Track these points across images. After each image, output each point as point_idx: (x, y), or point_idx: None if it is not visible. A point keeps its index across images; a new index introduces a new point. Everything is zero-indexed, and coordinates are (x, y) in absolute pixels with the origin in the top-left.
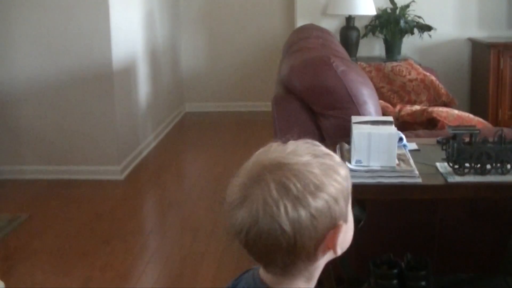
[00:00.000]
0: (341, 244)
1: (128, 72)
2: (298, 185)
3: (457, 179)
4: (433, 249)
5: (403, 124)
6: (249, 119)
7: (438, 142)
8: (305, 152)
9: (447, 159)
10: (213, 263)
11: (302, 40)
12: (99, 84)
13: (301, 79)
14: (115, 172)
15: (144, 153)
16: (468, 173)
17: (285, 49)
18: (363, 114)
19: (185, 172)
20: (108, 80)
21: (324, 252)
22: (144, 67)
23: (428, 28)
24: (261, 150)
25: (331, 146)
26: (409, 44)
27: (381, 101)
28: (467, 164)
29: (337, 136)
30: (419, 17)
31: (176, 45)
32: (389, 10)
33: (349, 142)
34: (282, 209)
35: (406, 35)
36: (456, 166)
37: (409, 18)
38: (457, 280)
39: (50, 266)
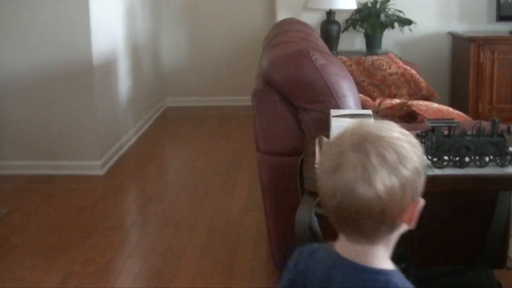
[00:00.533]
0: (415, 219)
1: (109, 67)
2: (394, 156)
3: (436, 172)
4: (413, 241)
5: (383, 118)
6: (229, 114)
7: (417, 135)
8: (394, 130)
9: (426, 152)
10: (194, 257)
11: (282, 34)
12: (79, 79)
13: (281, 73)
14: (96, 167)
15: (125, 148)
16: (447, 166)
17: (265, 43)
18: (343, 108)
19: (166, 166)
20: (89, 75)
21: (403, 223)
22: (124, 62)
23: (409, 22)
24: (354, 125)
25: (311, 139)
26: (390, 38)
27: (361, 94)
28: (446, 157)
29: (316, 129)
30: (400, 11)
31: (157, 40)
32: (369, 4)
33: (328, 135)
34: (379, 176)
35: (387, 29)
36: (435, 159)
37: (390, 12)
38: (438, 272)
39: (30, 261)
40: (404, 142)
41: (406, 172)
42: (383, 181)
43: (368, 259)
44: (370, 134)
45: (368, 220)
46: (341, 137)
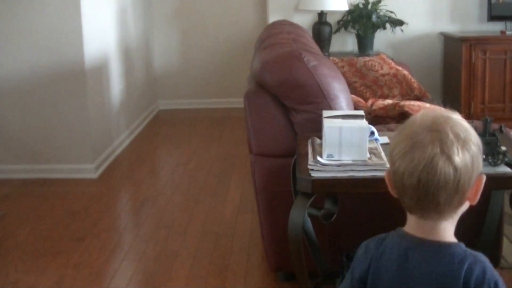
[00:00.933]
0: (479, 195)
1: (101, 70)
2: (464, 133)
3: None
4: None
5: (375, 118)
6: (222, 116)
7: None
8: (453, 113)
9: None
10: (187, 260)
11: (274, 35)
12: (71, 82)
13: (273, 74)
14: (89, 170)
15: (118, 151)
16: None
17: (257, 45)
18: (335, 109)
19: (159, 169)
20: (81, 78)
21: (467, 199)
22: (117, 65)
23: (400, 22)
24: (421, 112)
25: (303, 140)
26: (382, 39)
27: (353, 95)
28: None
29: (309, 131)
30: (391, 12)
31: (149, 43)
32: (361, 5)
33: (320, 137)
34: (456, 150)
35: (379, 30)
36: None
37: (381, 13)
38: None
39: (24, 265)
40: (465, 122)
41: (474, 147)
42: (458, 155)
43: (440, 234)
44: (441, 116)
45: (444, 193)
46: (412, 122)
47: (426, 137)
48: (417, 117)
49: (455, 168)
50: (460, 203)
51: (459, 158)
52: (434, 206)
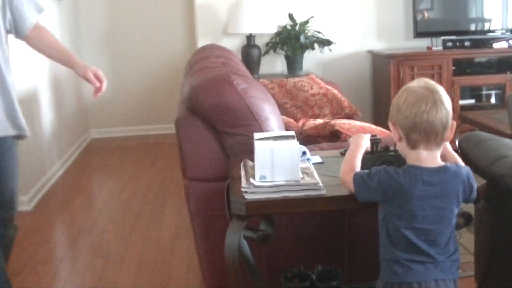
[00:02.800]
0: (453, 135)
1: (31, 100)
2: (443, 91)
3: None
4: (344, 258)
5: (307, 138)
6: (155, 142)
7: (341, 153)
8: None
9: None
10: None
11: (203, 60)
12: None
13: (203, 99)
14: (23, 202)
15: (52, 182)
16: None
17: (187, 70)
18: (266, 130)
19: (94, 198)
20: None
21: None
22: (46, 95)
23: (328, 42)
24: (414, 80)
25: (236, 163)
26: (311, 59)
27: (284, 116)
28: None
29: (241, 153)
30: (319, 32)
31: None
32: (289, 27)
33: (253, 159)
34: (444, 100)
35: (307, 50)
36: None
37: (309, 34)
38: None
39: None
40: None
41: (448, 100)
42: (447, 103)
43: (437, 161)
44: (429, 81)
45: (441, 127)
46: (410, 86)
47: (425, 92)
48: (413, 83)
49: (447, 110)
50: (446, 138)
51: (447, 104)
52: (435, 136)
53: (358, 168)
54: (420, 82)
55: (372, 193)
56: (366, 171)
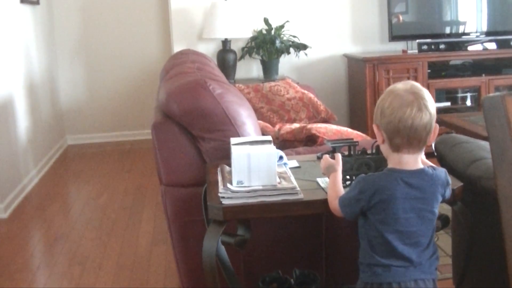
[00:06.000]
0: (435, 138)
1: (5, 107)
2: (429, 95)
3: None
4: (321, 262)
5: (283, 143)
6: (131, 148)
7: (318, 157)
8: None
9: None
10: None
11: (178, 65)
12: None
13: (179, 104)
14: None
15: (28, 189)
16: (349, 185)
17: (162, 75)
18: (242, 135)
19: (70, 204)
20: None
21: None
22: (22, 102)
23: (304, 46)
24: (400, 83)
25: (213, 168)
26: (286, 63)
27: (260, 121)
28: (348, 176)
29: (217, 159)
30: (295, 36)
31: (53, 78)
32: (264, 31)
33: (229, 164)
34: (428, 104)
35: (283, 55)
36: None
37: (285, 38)
38: None
39: None
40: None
41: (433, 104)
42: (431, 107)
43: (418, 163)
44: (415, 84)
45: (424, 132)
46: (395, 89)
47: (410, 97)
48: (398, 85)
49: (431, 114)
50: (428, 141)
51: (432, 109)
52: (418, 142)
53: (342, 191)
54: (406, 85)
55: (359, 204)
56: (347, 189)
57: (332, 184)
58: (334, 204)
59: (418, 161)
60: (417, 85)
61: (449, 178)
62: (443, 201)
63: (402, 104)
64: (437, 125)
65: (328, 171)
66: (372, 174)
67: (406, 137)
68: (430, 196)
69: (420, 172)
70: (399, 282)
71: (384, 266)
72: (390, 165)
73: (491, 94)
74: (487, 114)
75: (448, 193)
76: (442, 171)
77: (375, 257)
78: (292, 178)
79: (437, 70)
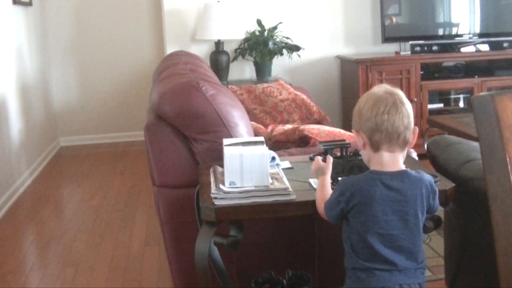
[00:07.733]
0: (415, 140)
1: None
2: (403, 94)
3: None
4: (314, 263)
5: (276, 144)
6: (124, 150)
7: (310, 158)
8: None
9: None
10: None
11: (171, 66)
12: None
13: (171, 105)
14: None
15: (20, 191)
16: None
17: (155, 77)
18: (235, 136)
19: (63, 206)
20: None
21: (409, 142)
22: (14, 103)
23: (297, 48)
24: (374, 88)
25: (205, 169)
26: (279, 65)
27: (253, 122)
28: (339, 178)
29: (210, 160)
30: (288, 37)
31: (46, 79)
32: (257, 33)
33: (222, 165)
34: (405, 102)
35: (276, 56)
36: (330, 181)
37: (278, 40)
38: None
39: None
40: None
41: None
42: (408, 105)
43: (399, 164)
44: (389, 86)
45: (404, 128)
46: (372, 92)
47: (385, 95)
48: (373, 89)
49: (407, 111)
50: (409, 142)
51: (408, 106)
52: (397, 136)
53: (329, 195)
54: (380, 88)
55: (338, 206)
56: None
57: (320, 187)
58: (320, 208)
59: (399, 161)
60: (391, 87)
61: (436, 189)
62: (431, 212)
63: (377, 101)
64: (417, 128)
65: (317, 174)
66: (352, 176)
67: (385, 131)
68: (411, 198)
69: (401, 174)
70: (383, 287)
71: (368, 270)
72: (372, 168)
73: (480, 93)
74: (477, 113)
75: (436, 204)
76: (428, 177)
77: (359, 261)
78: (285, 179)
79: (430, 72)
